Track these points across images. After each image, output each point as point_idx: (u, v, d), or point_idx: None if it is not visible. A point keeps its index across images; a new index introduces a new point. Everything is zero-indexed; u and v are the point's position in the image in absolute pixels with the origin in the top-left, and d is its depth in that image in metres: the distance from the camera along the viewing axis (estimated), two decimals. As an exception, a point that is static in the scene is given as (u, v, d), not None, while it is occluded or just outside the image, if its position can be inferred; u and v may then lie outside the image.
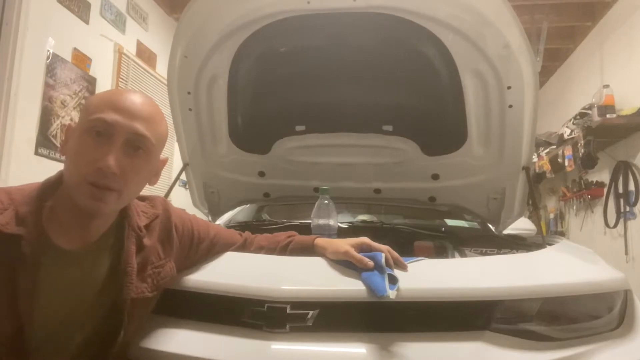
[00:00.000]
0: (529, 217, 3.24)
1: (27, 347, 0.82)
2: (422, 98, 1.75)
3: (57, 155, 2.73)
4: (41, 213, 0.86)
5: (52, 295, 0.85)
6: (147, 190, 1.00)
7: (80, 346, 0.89)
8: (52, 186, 0.90)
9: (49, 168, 2.51)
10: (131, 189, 0.90)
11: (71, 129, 0.90)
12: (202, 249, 1.16)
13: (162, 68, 3.87)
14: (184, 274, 1.09)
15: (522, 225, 2.22)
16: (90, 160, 0.83)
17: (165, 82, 1.79)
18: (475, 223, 2.26)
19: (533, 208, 3.37)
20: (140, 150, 0.88)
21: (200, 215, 2.17)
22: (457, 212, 2.19)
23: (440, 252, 1.59)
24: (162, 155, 0.99)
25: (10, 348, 0.81)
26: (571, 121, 3.85)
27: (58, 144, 2.74)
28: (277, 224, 1.93)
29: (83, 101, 2.95)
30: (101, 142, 0.84)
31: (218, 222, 2.24)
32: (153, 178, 0.97)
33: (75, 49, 2.95)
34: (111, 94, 0.91)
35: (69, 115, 2.87)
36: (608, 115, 3.32)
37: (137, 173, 0.89)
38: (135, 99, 0.89)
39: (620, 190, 3.48)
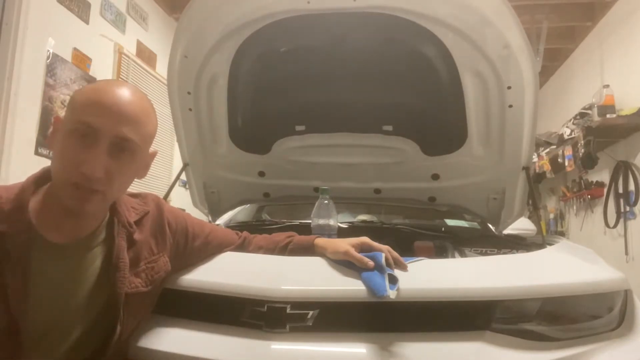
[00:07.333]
0: (529, 217, 3.25)
1: (22, 343, 0.81)
2: (422, 98, 1.75)
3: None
4: (26, 208, 0.86)
5: (45, 290, 0.85)
6: (146, 189, 1.00)
7: (77, 343, 0.89)
8: (36, 182, 0.91)
9: (49, 168, 2.50)
10: (115, 188, 0.89)
11: (59, 121, 0.89)
12: (197, 246, 1.15)
13: (162, 68, 3.87)
14: (183, 274, 1.09)
15: (522, 225, 2.22)
16: (75, 163, 0.83)
17: (165, 82, 1.79)
18: (475, 223, 2.26)
19: (533, 208, 3.38)
20: (125, 152, 0.88)
21: (200, 215, 2.17)
22: (457, 212, 2.19)
23: (440, 252, 1.58)
24: (152, 148, 0.99)
25: (4, 345, 0.80)
26: (571, 121, 3.86)
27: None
28: (277, 224, 1.93)
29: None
30: (86, 145, 0.84)
31: (218, 222, 2.24)
32: (142, 171, 0.97)
33: (75, 49, 2.95)
34: (97, 92, 0.88)
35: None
36: (608, 115, 3.33)
37: (122, 173, 0.89)
38: (121, 98, 0.87)
39: (620, 190, 3.49)
